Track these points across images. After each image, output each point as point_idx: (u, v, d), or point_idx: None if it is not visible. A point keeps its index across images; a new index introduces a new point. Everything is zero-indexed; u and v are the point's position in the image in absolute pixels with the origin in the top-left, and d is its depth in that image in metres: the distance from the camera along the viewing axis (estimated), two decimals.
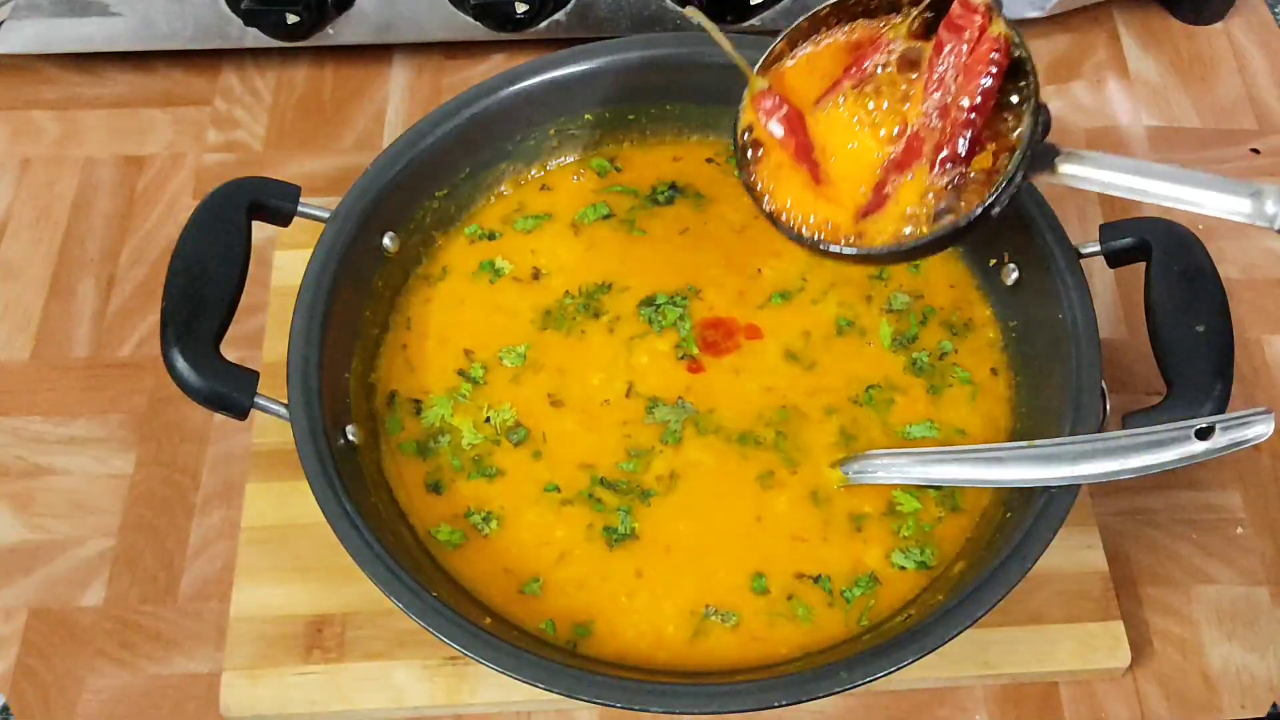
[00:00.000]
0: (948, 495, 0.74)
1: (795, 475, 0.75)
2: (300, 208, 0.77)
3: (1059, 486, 0.67)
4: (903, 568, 0.72)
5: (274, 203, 0.76)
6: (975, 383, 0.78)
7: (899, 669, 0.63)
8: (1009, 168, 0.63)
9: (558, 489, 0.75)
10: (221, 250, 0.73)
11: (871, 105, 0.68)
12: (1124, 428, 0.67)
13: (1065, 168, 0.63)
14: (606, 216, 0.86)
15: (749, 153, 0.71)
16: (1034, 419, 0.75)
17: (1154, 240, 0.73)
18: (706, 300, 0.82)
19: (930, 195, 0.66)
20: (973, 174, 0.65)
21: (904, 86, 0.68)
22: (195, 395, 0.70)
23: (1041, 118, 0.63)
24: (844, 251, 0.68)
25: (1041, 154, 0.64)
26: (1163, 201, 0.61)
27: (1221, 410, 0.67)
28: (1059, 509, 0.67)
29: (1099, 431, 0.69)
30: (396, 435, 0.77)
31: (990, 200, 0.63)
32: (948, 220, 0.65)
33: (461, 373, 0.80)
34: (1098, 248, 0.75)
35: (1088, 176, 0.62)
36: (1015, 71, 0.65)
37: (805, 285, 0.82)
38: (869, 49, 0.69)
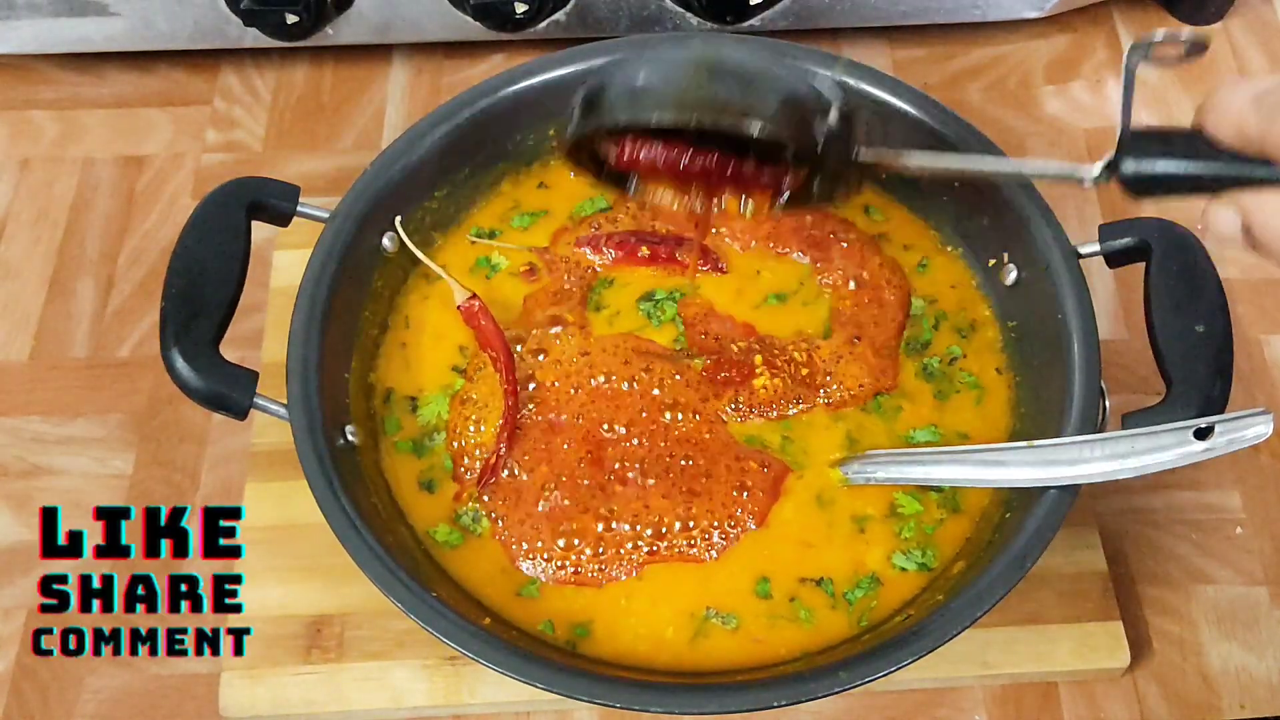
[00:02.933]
0: (948, 497, 0.74)
1: (801, 480, 0.75)
2: (300, 208, 0.77)
3: (1058, 487, 0.67)
4: (904, 569, 0.72)
5: (273, 203, 0.76)
6: (982, 386, 0.78)
7: (897, 669, 0.63)
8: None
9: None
10: (221, 250, 0.73)
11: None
12: (1124, 428, 0.67)
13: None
14: (604, 210, 0.85)
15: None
16: (1034, 419, 0.75)
17: (1153, 241, 0.73)
18: (705, 297, 0.82)
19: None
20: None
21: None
22: (194, 395, 0.70)
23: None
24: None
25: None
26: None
27: (1221, 410, 0.67)
28: (1058, 509, 0.67)
29: (1098, 432, 0.69)
30: (394, 434, 0.77)
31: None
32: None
33: (456, 368, 0.79)
34: (1097, 248, 0.75)
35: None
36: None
37: (801, 288, 0.82)
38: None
